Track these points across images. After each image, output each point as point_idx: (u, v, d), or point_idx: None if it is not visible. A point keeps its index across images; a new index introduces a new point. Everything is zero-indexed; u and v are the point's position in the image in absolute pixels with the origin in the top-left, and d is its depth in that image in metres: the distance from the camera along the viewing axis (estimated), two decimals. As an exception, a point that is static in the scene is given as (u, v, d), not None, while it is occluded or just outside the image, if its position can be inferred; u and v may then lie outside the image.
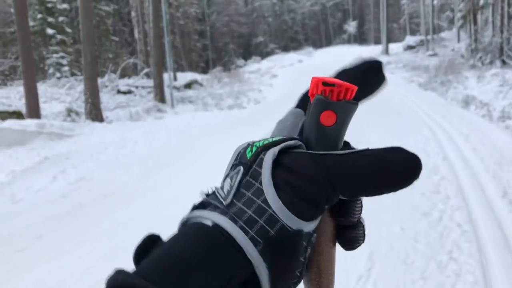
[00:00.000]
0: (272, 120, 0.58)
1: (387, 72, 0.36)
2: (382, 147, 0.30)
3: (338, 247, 0.34)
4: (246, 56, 41.69)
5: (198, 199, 0.32)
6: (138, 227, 3.68)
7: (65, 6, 19.78)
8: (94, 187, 5.05)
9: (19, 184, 5.31)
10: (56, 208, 4.38)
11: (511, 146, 5.49)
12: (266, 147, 0.31)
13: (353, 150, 0.30)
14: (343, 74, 0.34)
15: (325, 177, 0.29)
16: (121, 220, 3.91)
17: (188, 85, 18.41)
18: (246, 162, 0.31)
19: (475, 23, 17.46)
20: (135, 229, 3.66)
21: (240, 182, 0.30)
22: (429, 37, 26.89)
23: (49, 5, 18.85)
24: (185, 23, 34.22)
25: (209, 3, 40.20)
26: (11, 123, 8.03)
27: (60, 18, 19.35)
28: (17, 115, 10.69)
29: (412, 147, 0.30)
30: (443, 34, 30.41)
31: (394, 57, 25.34)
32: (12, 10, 12.50)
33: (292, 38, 51.67)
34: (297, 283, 0.31)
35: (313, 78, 0.32)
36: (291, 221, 0.28)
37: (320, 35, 56.28)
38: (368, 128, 6.63)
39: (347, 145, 0.33)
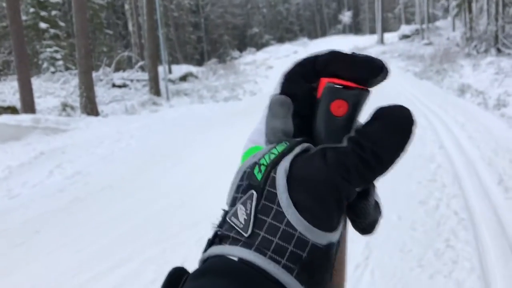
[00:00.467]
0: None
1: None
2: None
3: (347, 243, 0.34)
4: (241, 48, 41.55)
5: (210, 232, 0.30)
6: (135, 221, 3.69)
7: (57, -1, 19.62)
8: (91, 181, 5.04)
9: (16, 179, 5.29)
10: (53, 202, 4.37)
11: (507, 134, 5.51)
12: (275, 163, 0.30)
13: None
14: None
15: (339, 175, 0.28)
16: (118, 213, 3.90)
17: (183, 78, 18.34)
18: (258, 184, 0.29)
19: (470, 11, 17.42)
20: (132, 222, 3.66)
21: (256, 207, 0.29)
22: (424, 26, 26.86)
23: (42, -2, 18.69)
24: (179, 15, 34.03)
25: (203, -5, 39.97)
26: (6, 118, 7.98)
27: (53, 12, 19.20)
28: (12, 110, 10.63)
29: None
30: (438, 23, 30.41)
31: (389, 47, 25.34)
32: (4, 4, 12.35)
33: (287, 29, 51.51)
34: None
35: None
36: (321, 238, 0.27)
37: (315, 25, 56.11)
38: (362, 119, 6.62)
39: None
